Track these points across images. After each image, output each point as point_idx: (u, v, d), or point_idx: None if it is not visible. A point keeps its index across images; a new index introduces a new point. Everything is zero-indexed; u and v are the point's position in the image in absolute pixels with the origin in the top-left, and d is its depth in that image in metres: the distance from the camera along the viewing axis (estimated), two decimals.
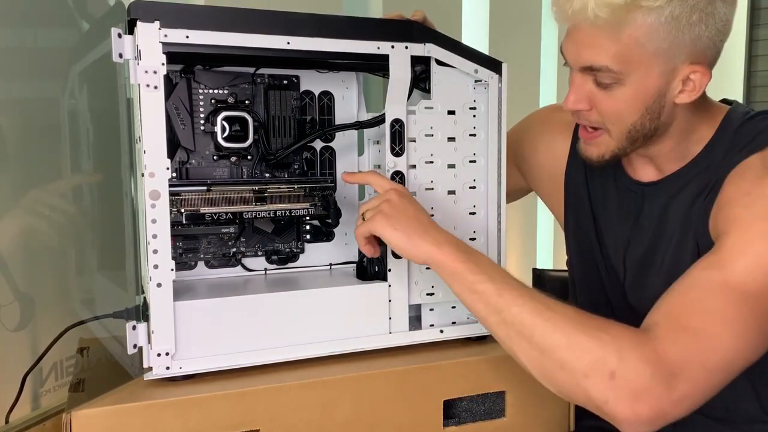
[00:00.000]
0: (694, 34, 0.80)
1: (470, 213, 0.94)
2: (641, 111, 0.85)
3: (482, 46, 2.25)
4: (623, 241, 0.98)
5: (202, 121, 0.90)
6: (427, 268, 0.90)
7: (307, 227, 0.99)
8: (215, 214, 0.85)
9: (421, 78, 0.91)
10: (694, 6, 0.79)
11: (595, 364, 0.71)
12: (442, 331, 0.92)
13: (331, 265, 1.01)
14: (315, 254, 1.00)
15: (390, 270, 0.89)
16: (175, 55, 0.77)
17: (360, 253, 0.94)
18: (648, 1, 0.78)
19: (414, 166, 0.90)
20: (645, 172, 0.96)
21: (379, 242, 0.85)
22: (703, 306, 0.74)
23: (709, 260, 0.78)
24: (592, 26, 0.80)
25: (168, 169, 0.76)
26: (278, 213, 0.89)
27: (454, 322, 0.93)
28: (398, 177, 0.89)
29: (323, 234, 1.00)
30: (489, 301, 0.76)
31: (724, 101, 0.96)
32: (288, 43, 0.81)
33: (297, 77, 0.96)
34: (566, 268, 1.16)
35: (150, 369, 0.78)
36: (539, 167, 1.11)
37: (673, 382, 0.70)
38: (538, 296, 0.76)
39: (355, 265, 0.99)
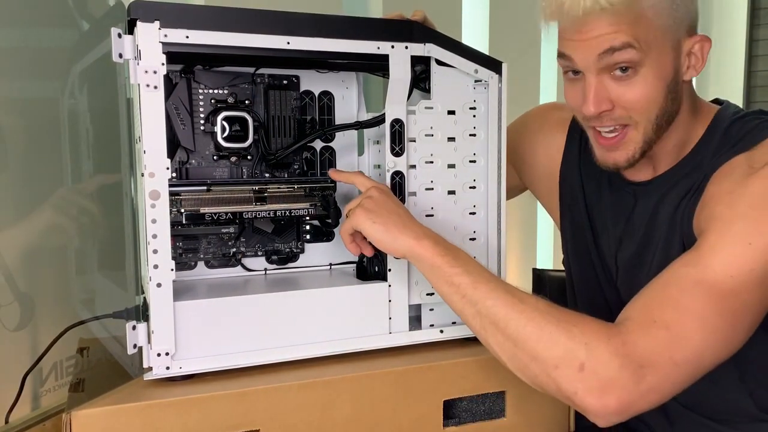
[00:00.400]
0: (687, 8, 0.85)
1: (470, 213, 0.94)
2: (664, 91, 0.86)
3: (482, 46, 2.25)
4: (616, 240, 0.98)
5: (202, 121, 0.90)
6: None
7: (307, 227, 0.99)
8: (215, 214, 0.85)
9: (421, 78, 0.91)
10: None
11: (565, 356, 0.72)
12: (442, 331, 0.92)
13: (331, 265, 1.01)
14: (315, 254, 1.00)
15: (390, 270, 0.89)
16: (175, 55, 0.77)
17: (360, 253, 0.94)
18: None
19: (414, 166, 0.90)
20: (638, 171, 0.96)
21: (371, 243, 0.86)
22: (676, 301, 0.75)
23: (688, 257, 0.78)
24: (607, 14, 0.81)
25: (168, 169, 0.76)
26: (278, 213, 0.89)
27: (454, 322, 0.93)
28: (398, 177, 0.89)
29: (323, 234, 1.00)
30: (465, 293, 0.77)
31: (716, 101, 0.96)
32: (288, 43, 0.81)
33: (297, 77, 0.96)
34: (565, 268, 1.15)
35: (150, 369, 0.78)
36: (535, 166, 1.11)
37: (641, 374, 0.71)
38: (512, 289, 0.78)
39: (355, 265, 0.99)
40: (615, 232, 0.98)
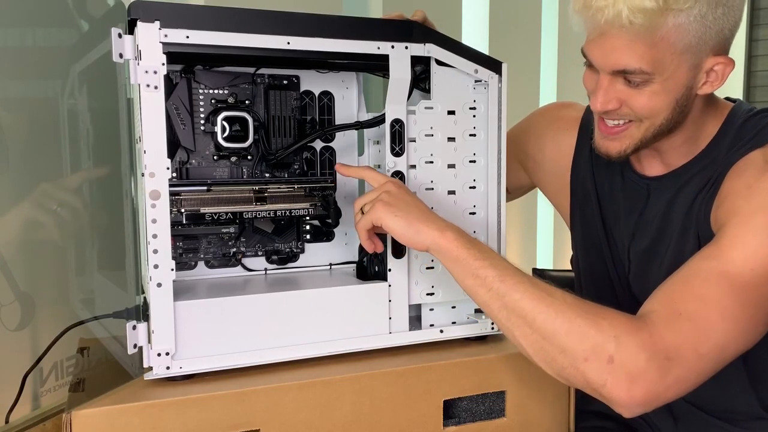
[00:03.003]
0: (718, 28, 0.83)
1: (470, 213, 0.94)
2: (672, 105, 0.87)
3: (482, 46, 2.25)
4: (628, 234, 0.99)
5: (202, 121, 0.90)
6: (429, 267, 0.90)
7: (307, 227, 0.99)
8: (215, 214, 0.85)
9: (421, 78, 0.91)
10: (718, 1, 0.82)
11: (594, 349, 0.72)
12: (442, 331, 0.92)
13: (331, 265, 1.01)
14: (315, 254, 1.00)
15: (390, 270, 0.89)
16: (175, 55, 0.77)
17: (360, 253, 0.94)
18: (678, 3, 0.80)
19: (414, 166, 0.90)
20: (652, 166, 0.97)
21: (381, 239, 0.86)
22: (699, 293, 0.76)
23: (709, 251, 0.79)
24: (626, 32, 0.82)
25: (168, 169, 0.76)
26: (278, 213, 0.89)
27: (454, 322, 0.93)
28: (398, 177, 0.89)
29: (323, 234, 1.00)
30: (491, 286, 0.77)
31: (728, 99, 0.97)
32: (288, 43, 0.81)
33: (297, 77, 0.96)
34: (566, 268, 1.16)
35: (150, 369, 0.78)
36: (545, 164, 1.12)
37: (668, 366, 0.72)
38: (538, 283, 0.78)
39: (355, 265, 0.99)
40: (627, 226, 0.99)
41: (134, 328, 0.78)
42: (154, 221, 0.76)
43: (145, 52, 0.74)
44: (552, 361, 0.75)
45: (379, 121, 0.92)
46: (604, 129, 0.91)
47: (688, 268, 0.79)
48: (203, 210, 0.85)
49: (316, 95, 0.98)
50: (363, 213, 0.83)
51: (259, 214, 0.88)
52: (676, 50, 0.82)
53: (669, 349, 0.72)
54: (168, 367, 0.78)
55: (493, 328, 0.94)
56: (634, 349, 0.72)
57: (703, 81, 0.86)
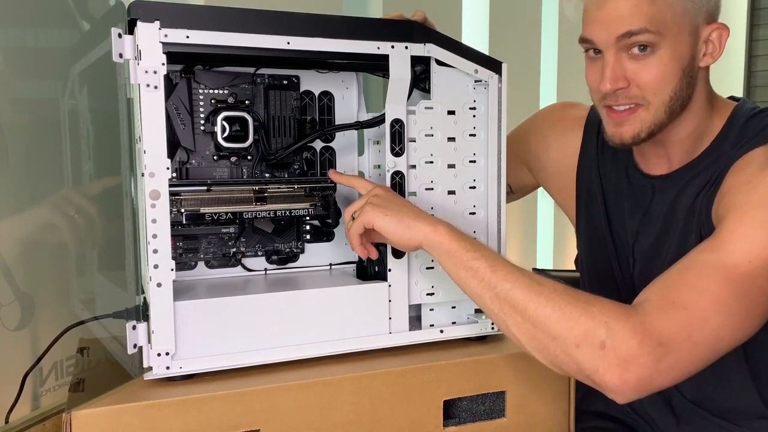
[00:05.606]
0: None
1: (470, 213, 0.94)
2: (679, 74, 0.88)
3: (482, 46, 2.25)
4: (633, 233, 1.00)
5: (202, 121, 0.90)
6: (429, 267, 0.90)
7: (307, 227, 0.99)
8: (215, 214, 0.85)
9: (421, 78, 0.91)
10: None
11: (586, 335, 0.73)
12: (442, 331, 0.92)
13: (331, 265, 1.01)
14: (315, 254, 1.00)
15: (390, 270, 0.89)
16: (175, 55, 0.77)
17: None
18: None
19: (414, 166, 0.90)
20: (656, 164, 0.98)
21: (375, 245, 0.86)
22: (695, 284, 0.76)
23: (707, 244, 0.80)
24: None
25: (168, 169, 0.76)
26: (278, 213, 0.89)
27: (454, 322, 0.93)
28: (398, 177, 0.89)
29: (323, 234, 1.00)
30: (483, 277, 0.78)
31: (732, 98, 0.97)
32: (288, 43, 0.81)
33: (297, 77, 0.96)
34: (566, 269, 1.16)
35: (150, 369, 0.78)
36: (549, 164, 1.12)
37: (660, 352, 0.72)
38: (528, 273, 0.79)
39: (355, 265, 0.99)
40: (632, 225, 1.00)
41: (134, 328, 0.78)
42: (154, 221, 0.76)
43: (145, 52, 0.74)
44: (544, 349, 0.76)
45: (379, 121, 0.92)
46: (614, 116, 0.92)
47: (685, 260, 0.79)
48: (203, 210, 0.85)
49: (316, 95, 0.98)
50: (354, 220, 0.84)
51: (259, 214, 0.88)
52: (675, 12, 0.85)
53: (661, 336, 0.73)
54: (168, 367, 0.78)
55: (493, 328, 0.94)
56: (625, 335, 0.72)
57: (703, 51, 0.89)
